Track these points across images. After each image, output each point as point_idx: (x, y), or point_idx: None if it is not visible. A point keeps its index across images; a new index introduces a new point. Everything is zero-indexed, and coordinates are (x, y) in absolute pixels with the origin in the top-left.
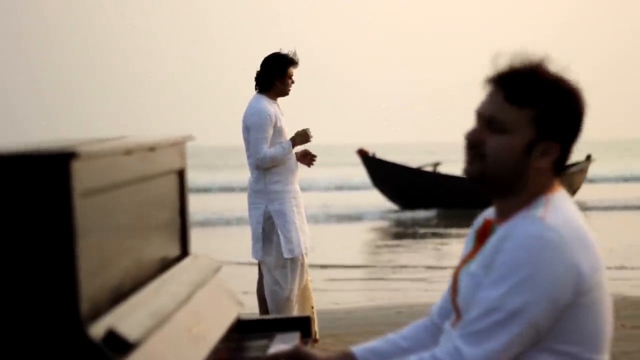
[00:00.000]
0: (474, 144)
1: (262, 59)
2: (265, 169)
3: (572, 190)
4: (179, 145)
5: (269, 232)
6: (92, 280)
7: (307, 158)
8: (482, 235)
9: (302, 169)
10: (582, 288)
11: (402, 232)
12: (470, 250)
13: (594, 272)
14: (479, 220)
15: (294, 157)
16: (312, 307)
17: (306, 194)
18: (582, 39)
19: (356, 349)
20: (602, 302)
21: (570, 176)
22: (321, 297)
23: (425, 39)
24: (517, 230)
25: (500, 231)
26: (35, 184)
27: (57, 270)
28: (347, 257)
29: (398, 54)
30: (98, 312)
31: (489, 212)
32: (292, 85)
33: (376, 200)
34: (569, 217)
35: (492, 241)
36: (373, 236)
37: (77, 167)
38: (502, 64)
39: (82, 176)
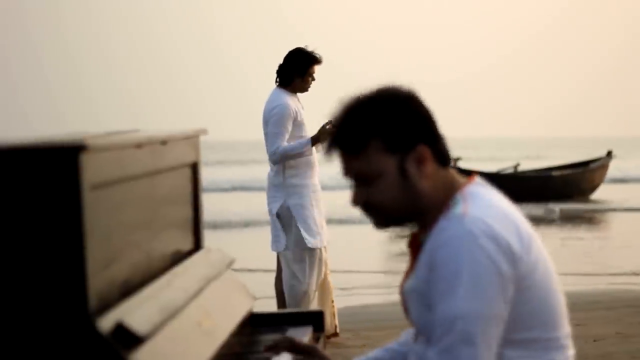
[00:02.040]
0: (363, 205)
1: (287, 52)
2: (286, 163)
3: (593, 186)
4: (191, 139)
5: (288, 225)
6: (101, 273)
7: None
8: (414, 249)
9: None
10: (522, 269)
11: None
12: (408, 265)
13: (528, 249)
14: (409, 235)
15: (313, 152)
16: (332, 302)
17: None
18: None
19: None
20: (546, 279)
21: (590, 172)
22: (338, 293)
23: (433, 32)
24: (444, 236)
25: (429, 241)
26: (44, 177)
27: (66, 263)
28: (363, 254)
29: (411, 46)
30: (107, 305)
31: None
32: (312, 82)
33: None
34: (489, 204)
35: (424, 253)
36: (388, 233)
37: (86, 160)
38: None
39: (91, 169)
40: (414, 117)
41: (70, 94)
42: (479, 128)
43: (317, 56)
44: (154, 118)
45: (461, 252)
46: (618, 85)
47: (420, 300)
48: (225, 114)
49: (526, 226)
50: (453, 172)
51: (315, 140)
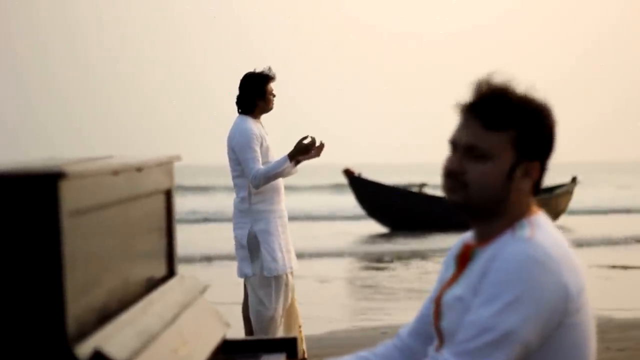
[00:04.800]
0: (455, 173)
1: (239, 81)
2: (252, 189)
3: (557, 212)
4: (166, 165)
5: (254, 251)
6: (79, 300)
7: (315, 151)
8: (463, 260)
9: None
10: (570, 308)
11: (385, 255)
12: (452, 275)
13: (581, 292)
14: (457, 245)
15: (279, 179)
16: (300, 327)
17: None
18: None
19: None
20: (587, 322)
21: (555, 198)
22: (305, 319)
23: (408, 59)
24: (505, 250)
25: (486, 253)
26: (23, 204)
27: (45, 290)
28: (330, 279)
29: (383, 73)
30: (85, 332)
31: (468, 237)
32: (274, 99)
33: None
34: (554, 238)
35: (477, 264)
36: (355, 260)
37: (64, 187)
38: (470, 90)
39: (69, 196)
40: (550, 137)
41: (53, 115)
42: (443, 153)
43: (270, 73)
44: (135, 141)
45: (518, 269)
46: (583, 109)
47: (464, 309)
48: (204, 138)
49: (582, 272)
50: (533, 203)
51: (292, 156)
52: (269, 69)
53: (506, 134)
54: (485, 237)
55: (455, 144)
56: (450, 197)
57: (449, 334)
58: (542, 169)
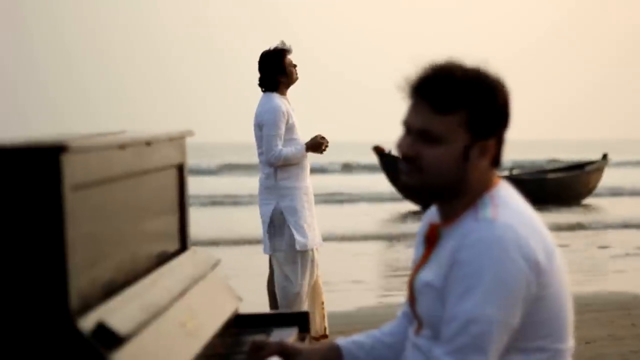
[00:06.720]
0: (410, 158)
1: (258, 61)
2: (278, 166)
3: (588, 189)
4: (177, 140)
5: (280, 227)
6: (83, 274)
7: (318, 147)
8: (431, 241)
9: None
10: (543, 280)
11: (410, 230)
12: (421, 257)
13: (551, 260)
14: (424, 225)
15: (305, 155)
16: (322, 303)
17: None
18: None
19: (341, 341)
20: (561, 290)
21: (586, 175)
22: (331, 295)
23: (432, 38)
24: (471, 237)
25: (452, 235)
26: (25, 177)
27: (47, 263)
28: (356, 255)
29: (410, 52)
30: (89, 305)
31: (432, 215)
32: (297, 70)
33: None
34: (517, 210)
35: (444, 248)
36: (384, 238)
37: (67, 160)
38: (418, 72)
39: (72, 170)
40: (504, 112)
41: (68, 94)
42: None
43: (285, 47)
44: (151, 118)
45: (487, 256)
46: (614, 88)
47: (435, 295)
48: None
49: (550, 237)
50: (494, 174)
51: (308, 147)
52: (283, 43)
53: (457, 116)
54: (449, 216)
55: (407, 126)
56: (406, 180)
57: (425, 319)
58: (500, 143)
